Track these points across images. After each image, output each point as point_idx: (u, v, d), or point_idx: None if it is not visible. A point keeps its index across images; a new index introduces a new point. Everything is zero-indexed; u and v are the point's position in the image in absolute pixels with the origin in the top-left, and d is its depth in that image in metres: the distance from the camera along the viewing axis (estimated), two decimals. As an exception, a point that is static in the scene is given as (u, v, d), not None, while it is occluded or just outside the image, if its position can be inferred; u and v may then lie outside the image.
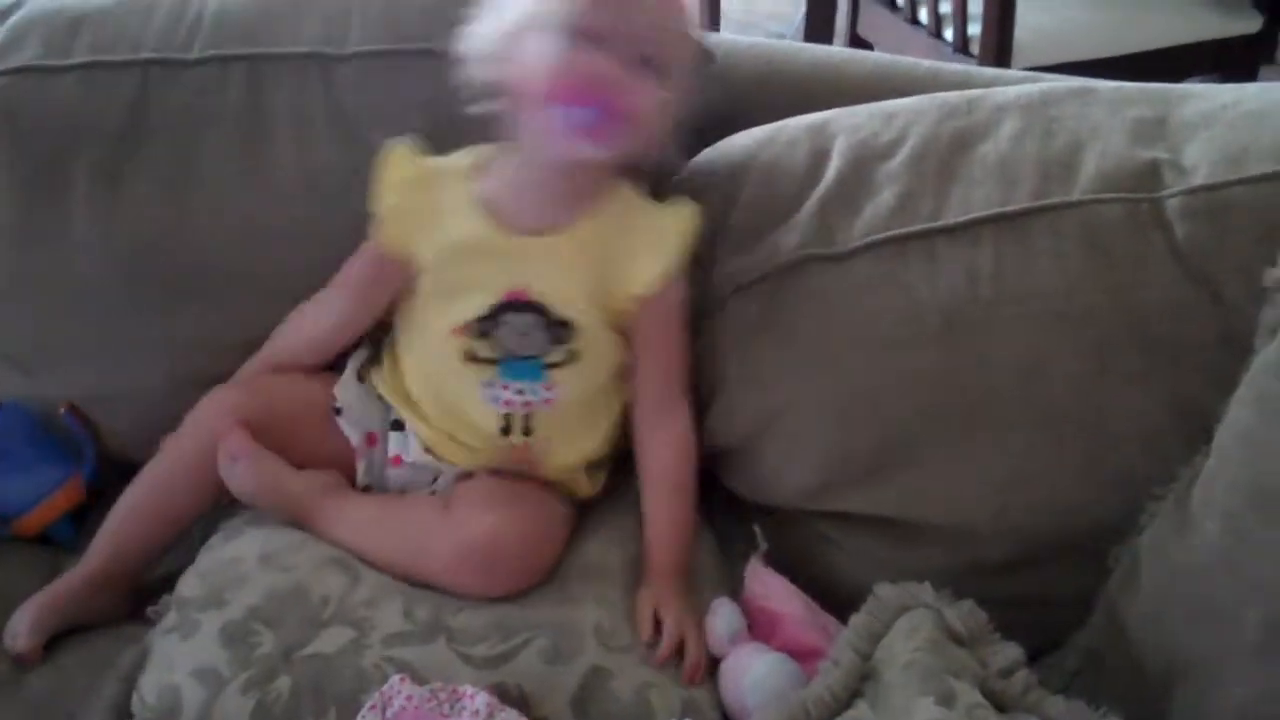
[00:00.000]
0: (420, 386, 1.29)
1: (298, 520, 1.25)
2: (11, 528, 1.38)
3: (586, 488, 1.31)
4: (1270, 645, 0.98)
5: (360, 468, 1.31)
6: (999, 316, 1.17)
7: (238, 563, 1.20)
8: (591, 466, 1.32)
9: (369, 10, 1.37)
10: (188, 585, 1.19)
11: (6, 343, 1.43)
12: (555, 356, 1.23)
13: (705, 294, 1.29)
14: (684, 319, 1.27)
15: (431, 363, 1.27)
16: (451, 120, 1.24)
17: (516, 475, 1.28)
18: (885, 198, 1.24)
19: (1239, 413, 1.06)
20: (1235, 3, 2.51)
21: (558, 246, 1.21)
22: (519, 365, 1.23)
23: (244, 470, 1.26)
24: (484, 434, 1.27)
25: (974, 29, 2.37)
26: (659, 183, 1.32)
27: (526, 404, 1.25)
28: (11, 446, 1.39)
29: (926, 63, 1.49)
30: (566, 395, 1.25)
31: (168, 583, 1.24)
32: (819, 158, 1.29)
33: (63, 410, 1.41)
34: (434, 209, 1.23)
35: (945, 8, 2.42)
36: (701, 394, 1.30)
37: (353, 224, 1.27)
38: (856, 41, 2.76)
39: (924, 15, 2.49)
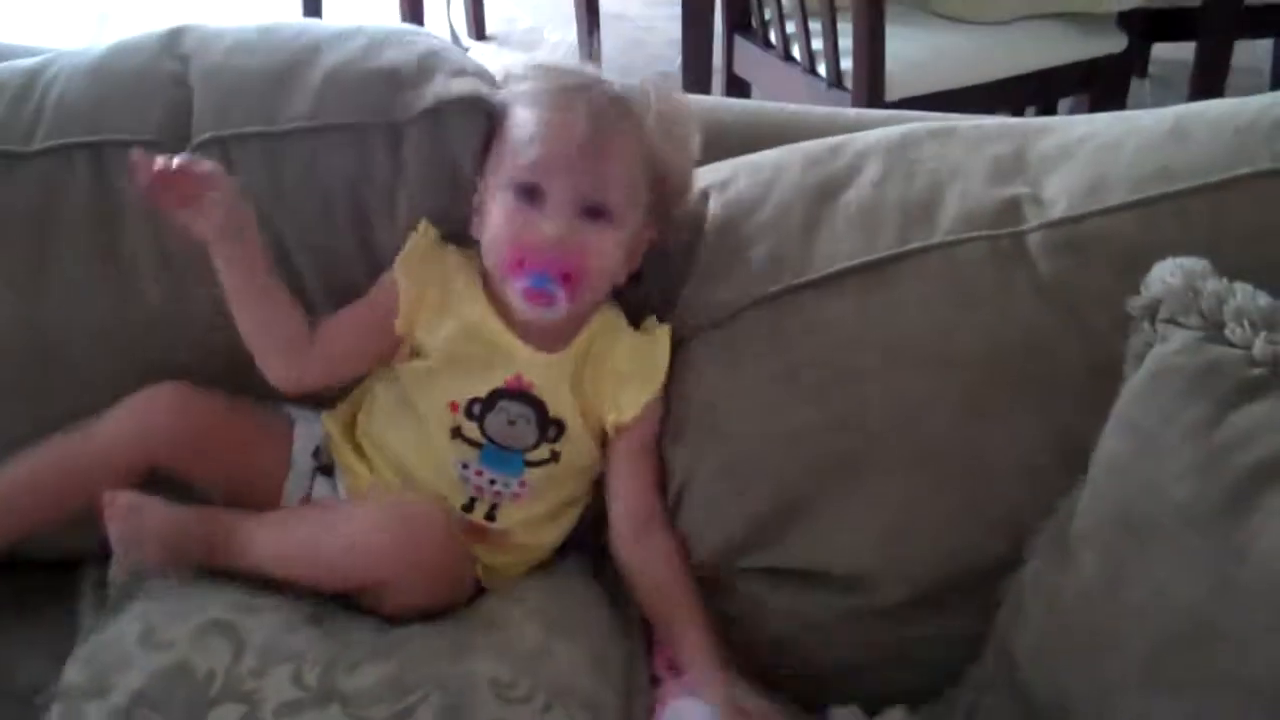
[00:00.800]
0: (386, 443, 1.27)
1: (209, 556, 1.21)
2: None
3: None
4: (1153, 674, 0.99)
5: (287, 489, 1.28)
6: (871, 366, 1.18)
7: (119, 642, 1.15)
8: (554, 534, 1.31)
9: (210, 96, 1.35)
10: (72, 672, 1.15)
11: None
12: (538, 454, 1.24)
13: None
14: (658, 436, 1.27)
15: (412, 429, 1.25)
16: (282, 200, 1.27)
17: None
18: (755, 256, 1.25)
19: (1108, 442, 1.08)
20: (1100, 24, 2.57)
21: (558, 360, 1.23)
22: (501, 455, 1.23)
23: (148, 522, 1.20)
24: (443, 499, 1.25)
25: (847, 63, 2.39)
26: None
27: (497, 493, 1.25)
28: None
29: (791, 107, 1.51)
30: (538, 493, 1.25)
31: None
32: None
33: None
34: (446, 290, 1.24)
35: (818, 44, 2.45)
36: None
37: (213, 307, 1.26)
38: (733, 80, 2.78)
39: (797, 52, 2.51)
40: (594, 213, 1.18)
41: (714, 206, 1.29)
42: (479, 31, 3.85)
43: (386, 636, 1.18)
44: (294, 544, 1.21)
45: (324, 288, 1.31)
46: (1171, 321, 1.07)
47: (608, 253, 1.19)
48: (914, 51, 2.43)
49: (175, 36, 1.40)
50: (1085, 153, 1.25)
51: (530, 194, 1.18)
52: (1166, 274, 1.10)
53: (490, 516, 1.25)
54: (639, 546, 1.26)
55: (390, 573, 1.18)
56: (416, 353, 1.26)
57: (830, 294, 1.20)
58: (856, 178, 1.26)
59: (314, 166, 1.29)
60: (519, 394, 1.22)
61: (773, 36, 2.58)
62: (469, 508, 1.25)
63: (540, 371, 1.23)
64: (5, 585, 1.30)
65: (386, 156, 1.29)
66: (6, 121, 1.35)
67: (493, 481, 1.24)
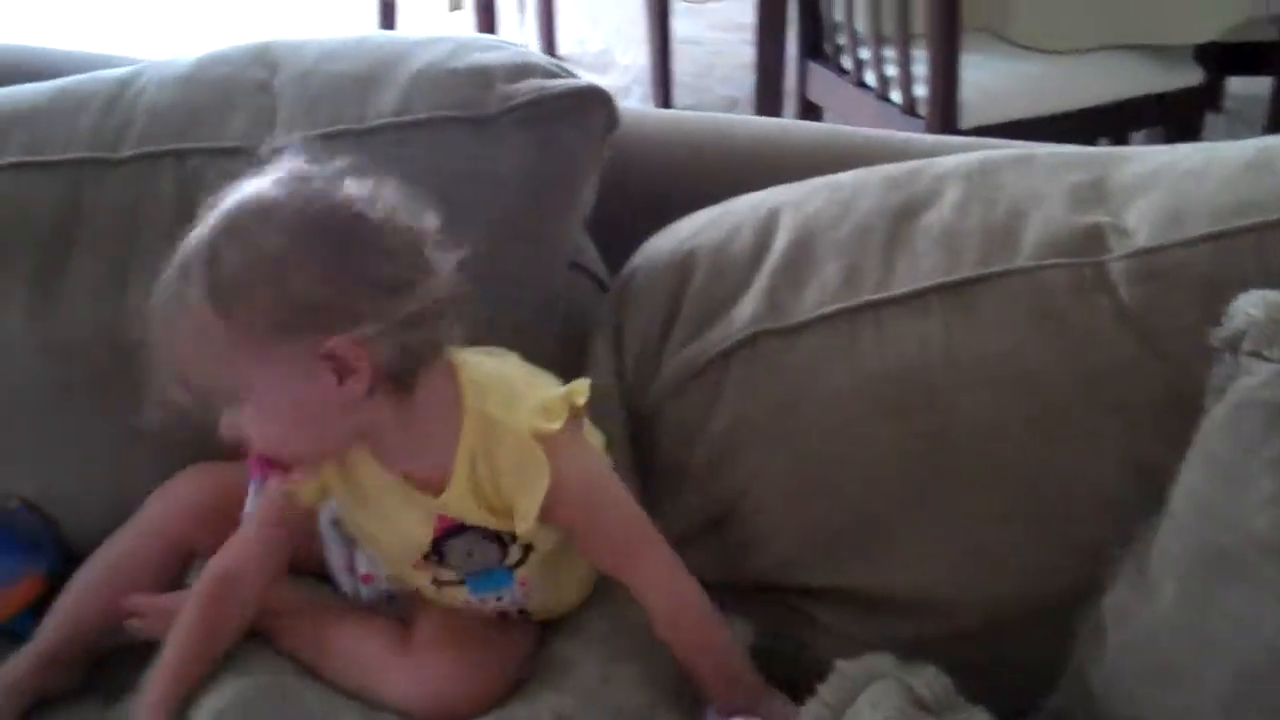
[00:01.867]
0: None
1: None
2: None
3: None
4: (1233, 707, 0.98)
5: (329, 561, 1.27)
6: (951, 385, 1.18)
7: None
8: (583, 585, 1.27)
9: (297, 100, 1.36)
10: None
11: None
12: (513, 557, 1.17)
13: (644, 401, 1.28)
14: (605, 488, 1.17)
15: (404, 572, 1.21)
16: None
17: None
18: (832, 271, 1.24)
19: (1189, 474, 1.07)
20: (1177, 56, 2.55)
21: (453, 497, 1.13)
22: (485, 579, 1.18)
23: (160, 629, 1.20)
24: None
25: (920, 90, 2.39)
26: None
27: (513, 602, 1.21)
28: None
29: (867, 131, 1.52)
30: (546, 578, 1.21)
31: (125, 652, 1.23)
32: (765, 235, 1.30)
33: (15, 504, 1.40)
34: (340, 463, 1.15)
35: (891, 70, 2.45)
36: (654, 490, 1.27)
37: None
38: (806, 105, 2.79)
39: (871, 78, 2.51)
40: (231, 399, 1.06)
41: (789, 223, 1.29)
42: (550, 52, 3.88)
43: None
44: (330, 670, 1.20)
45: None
46: (1255, 354, 1.06)
47: (263, 429, 1.06)
48: (988, 80, 2.43)
49: (265, 47, 1.43)
50: (1166, 182, 1.24)
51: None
52: (1250, 306, 1.09)
53: (521, 611, 1.23)
54: (635, 592, 1.17)
55: None
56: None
57: (912, 312, 1.20)
58: (937, 200, 1.26)
59: (401, 161, 1.25)
60: (456, 530, 1.14)
61: (846, 62, 2.59)
62: (504, 614, 1.22)
63: (454, 507, 1.13)
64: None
65: (478, 150, 1.30)
66: (97, 128, 1.39)
67: (499, 599, 1.20)
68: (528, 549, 1.16)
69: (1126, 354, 1.15)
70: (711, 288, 1.29)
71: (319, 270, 1.01)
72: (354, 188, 1.06)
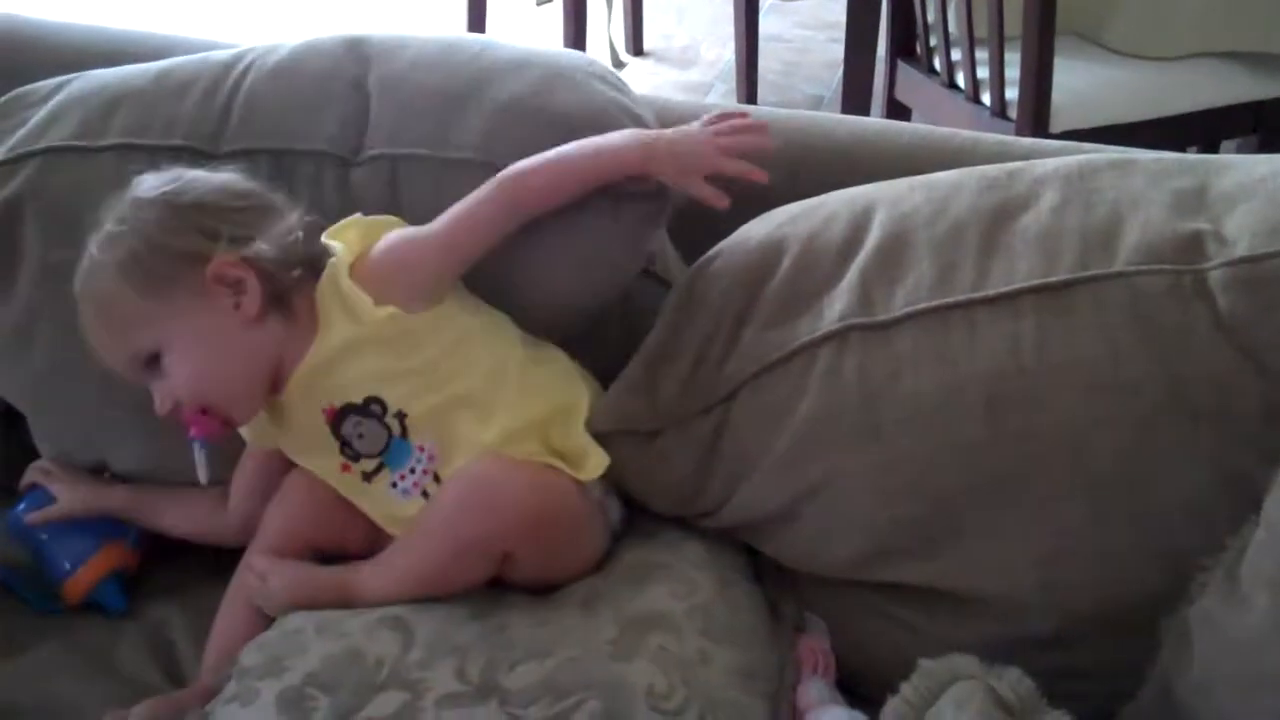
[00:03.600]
0: (374, 518, 1.33)
1: (343, 605, 1.25)
2: (63, 596, 1.41)
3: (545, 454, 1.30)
4: (1324, 720, 0.98)
5: None
6: (1043, 387, 1.17)
7: (297, 633, 1.20)
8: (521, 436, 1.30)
9: (387, 110, 1.39)
10: (248, 656, 1.20)
11: (46, 423, 1.48)
12: (395, 428, 1.28)
13: (717, 376, 1.28)
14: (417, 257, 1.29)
15: (352, 497, 1.32)
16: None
17: None
18: (926, 268, 1.24)
19: (1287, 484, 1.06)
20: (1271, 65, 2.51)
21: (321, 349, 1.27)
22: (393, 454, 1.29)
23: (275, 584, 1.28)
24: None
25: (1011, 93, 2.38)
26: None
27: (425, 472, 1.28)
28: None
29: (963, 133, 1.51)
30: (436, 441, 1.28)
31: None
32: (858, 230, 1.30)
33: (106, 476, 1.45)
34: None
35: (983, 72, 2.44)
36: (719, 473, 1.29)
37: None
38: (894, 105, 2.77)
39: (961, 80, 2.50)
40: (156, 360, 1.27)
41: (883, 219, 1.29)
42: (637, 47, 3.90)
43: (545, 631, 1.20)
44: (403, 573, 1.25)
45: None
46: (1355, 368, 1.06)
47: (187, 373, 1.26)
48: (1080, 84, 2.41)
49: (359, 41, 1.45)
50: (1267, 192, 1.23)
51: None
52: (1350, 319, 1.08)
53: (438, 479, 1.28)
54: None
55: (491, 544, 1.22)
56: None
57: (1005, 313, 1.20)
58: (1035, 203, 1.25)
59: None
60: (337, 416, 1.28)
61: (937, 63, 2.57)
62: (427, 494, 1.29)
63: (326, 389, 1.28)
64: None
65: None
66: (198, 116, 1.42)
67: (413, 469, 1.28)
68: (401, 416, 1.27)
69: (1222, 363, 1.14)
70: (801, 275, 1.29)
71: (185, 225, 1.26)
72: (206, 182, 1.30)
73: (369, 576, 1.26)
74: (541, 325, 1.36)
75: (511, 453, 1.26)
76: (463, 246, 1.29)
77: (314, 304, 1.28)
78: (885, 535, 1.23)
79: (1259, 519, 1.08)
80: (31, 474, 1.47)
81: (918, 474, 1.20)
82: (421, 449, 1.28)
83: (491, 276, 1.32)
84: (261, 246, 1.26)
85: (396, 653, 1.17)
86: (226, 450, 1.35)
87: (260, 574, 1.29)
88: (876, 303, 1.24)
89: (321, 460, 1.31)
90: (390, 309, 1.26)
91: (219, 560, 1.37)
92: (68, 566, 1.41)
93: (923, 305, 1.22)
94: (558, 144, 1.30)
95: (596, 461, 1.29)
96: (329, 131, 1.39)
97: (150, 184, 1.29)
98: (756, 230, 1.35)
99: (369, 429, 1.28)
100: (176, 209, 1.27)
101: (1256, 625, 1.04)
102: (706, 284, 1.33)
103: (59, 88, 1.49)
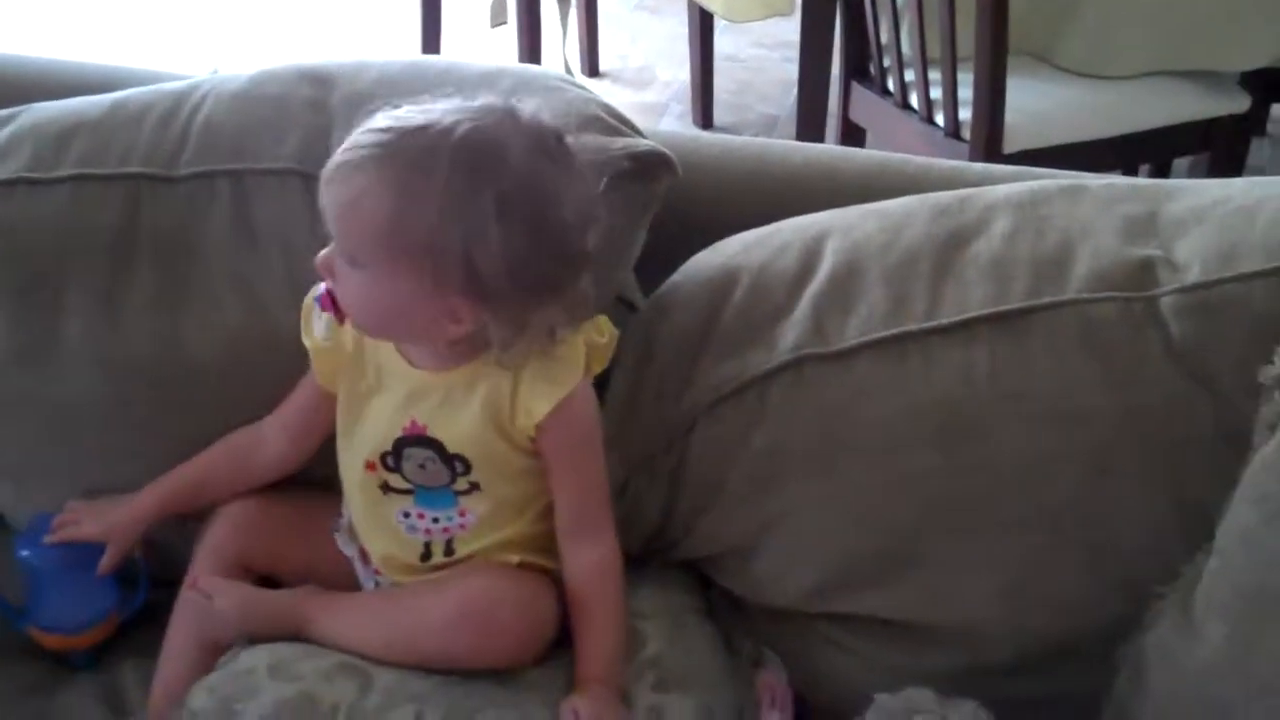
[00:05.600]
0: (357, 517, 1.29)
1: (293, 635, 1.24)
2: (38, 640, 1.37)
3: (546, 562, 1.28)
4: (1280, 750, 0.97)
5: (360, 576, 1.31)
6: (997, 416, 1.17)
7: (249, 674, 1.18)
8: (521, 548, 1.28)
9: (351, 126, 1.37)
10: (197, 698, 1.17)
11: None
12: (460, 485, 1.22)
13: (676, 410, 1.27)
14: (595, 439, 1.23)
15: (357, 493, 1.27)
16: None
17: None
18: (879, 297, 1.24)
19: (1240, 512, 1.06)
20: (1223, 83, 2.54)
21: (450, 382, 1.20)
22: (431, 494, 1.23)
23: (223, 605, 1.25)
24: (406, 562, 1.26)
25: (965, 113, 2.39)
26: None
27: (444, 529, 1.24)
28: (86, 559, 1.35)
29: (917, 159, 1.51)
30: (479, 518, 1.24)
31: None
32: (811, 258, 1.29)
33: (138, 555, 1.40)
34: (352, 343, 1.24)
35: (936, 93, 2.44)
36: (681, 507, 1.29)
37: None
38: (848, 126, 2.78)
39: (915, 101, 2.51)
40: (349, 259, 1.13)
41: (836, 247, 1.29)
42: (592, 68, 3.89)
43: (505, 687, 1.18)
44: (371, 634, 1.22)
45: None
46: (1306, 392, 1.06)
47: (352, 291, 1.15)
48: (1034, 104, 2.42)
49: (319, 67, 1.43)
50: (1218, 217, 1.23)
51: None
52: (1300, 343, 1.08)
53: (449, 552, 1.25)
54: (573, 556, 1.23)
55: (474, 663, 1.19)
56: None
57: (959, 341, 1.19)
58: (986, 230, 1.25)
59: None
60: (416, 439, 1.20)
61: (890, 84, 2.58)
62: (426, 556, 1.25)
63: (432, 406, 1.20)
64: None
65: None
66: (154, 143, 1.40)
67: (436, 520, 1.24)
68: (471, 486, 1.21)
69: (1176, 390, 1.14)
70: (754, 305, 1.28)
71: (499, 248, 1.08)
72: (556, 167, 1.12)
73: (328, 615, 1.24)
74: None
75: (515, 555, 1.24)
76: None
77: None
78: (843, 566, 1.23)
79: (1212, 547, 1.08)
80: (64, 530, 1.36)
81: (874, 504, 1.20)
82: (463, 514, 1.23)
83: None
84: (502, 324, 1.13)
85: (353, 699, 1.15)
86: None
87: (206, 593, 1.26)
88: (830, 332, 1.24)
89: (361, 443, 1.24)
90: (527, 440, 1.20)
91: (166, 599, 1.33)
92: (64, 627, 1.36)
93: (876, 335, 1.22)
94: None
95: None
96: (292, 150, 1.36)
97: (581, 158, 1.14)
98: (709, 260, 1.34)
99: (434, 469, 1.22)
100: (522, 240, 1.09)
101: (1209, 654, 1.04)
102: (661, 319, 1.32)
103: (8, 119, 1.46)
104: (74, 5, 3.61)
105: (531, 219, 1.09)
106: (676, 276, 1.35)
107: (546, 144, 1.12)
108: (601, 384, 1.29)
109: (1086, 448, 1.15)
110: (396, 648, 1.20)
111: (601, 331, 1.23)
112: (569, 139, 1.14)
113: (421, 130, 1.10)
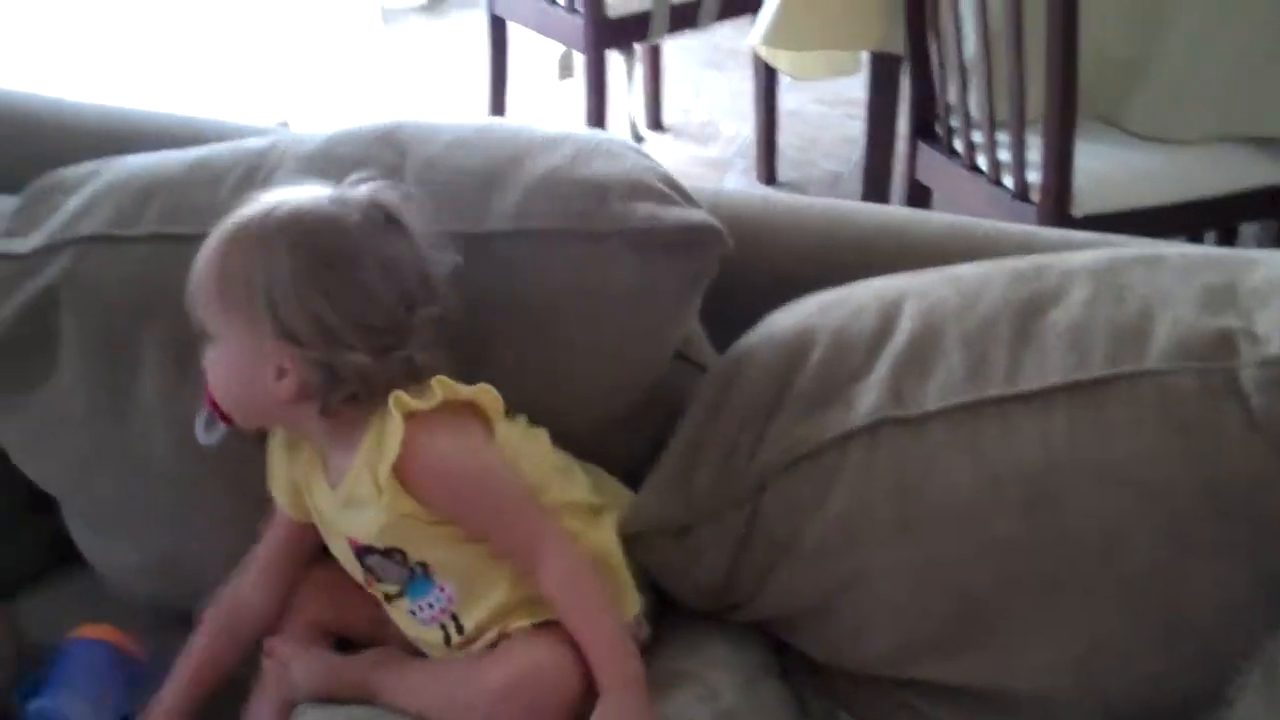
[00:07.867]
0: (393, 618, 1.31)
1: (363, 699, 1.25)
2: None
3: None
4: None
5: None
6: (1076, 486, 1.17)
7: None
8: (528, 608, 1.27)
9: (422, 192, 1.36)
10: None
11: (82, 505, 1.46)
12: (417, 570, 1.24)
13: (748, 468, 1.27)
14: (479, 474, 1.23)
15: (379, 604, 1.30)
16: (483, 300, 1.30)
17: None
18: (957, 362, 1.24)
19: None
20: (1293, 149, 2.53)
21: (347, 485, 1.23)
22: (415, 585, 1.26)
23: (299, 670, 1.28)
24: (438, 646, 1.28)
25: (1033, 176, 2.39)
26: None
27: (443, 610, 1.26)
28: (100, 669, 1.36)
29: (986, 223, 1.51)
30: (456, 590, 1.25)
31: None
32: (888, 322, 1.30)
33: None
34: (303, 471, 1.29)
35: (1004, 155, 2.45)
36: (751, 563, 1.28)
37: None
38: (915, 186, 2.78)
39: (983, 162, 2.51)
40: (205, 333, 1.24)
41: (912, 311, 1.29)
42: (656, 122, 3.93)
43: None
44: (431, 701, 1.24)
45: (512, 387, 1.29)
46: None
47: (215, 372, 1.25)
48: (1102, 167, 2.42)
49: (394, 128, 1.44)
50: (1298, 287, 1.23)
51: None
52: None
53: (460, 629, 1.26)
54: (530, 576, 1.23)
55: None
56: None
57: (1038, 410, 1.19)
58: (1065, 297, 1.25)
59: (511, 268, 1.32)
60: (362, 550, 1.25)
61: (958, 145, 2.58)
62: (447, 640, 1.26)
63: (349, 516, 1.24)
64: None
65: (588, 264, 1.31)
66: (233, 206, 1.39)
67: (432, 605, 1.26)
68: (424, 566, 1.24)
69: (1256, 464, 1.14)
70: (830, 367, 1.29)
71: (306, 293, 1.19)
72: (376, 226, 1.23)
73: (393, 680, 1.26)
74: (566, 428, 1.33)
75: (525, 619, 1.24)
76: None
77: (363, 425, 1.22)
78: (917, 632, 1.22)
79: (1295, 622, 1.07)
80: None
81: (950, 570, 1.20)
82: (442, 589, 1.25)
83: (517, 388, 1.29)
84: (321, 368, 1.20)
85: None
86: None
87: (283, 660, 1.28)
88: (907, 397, 1.24)
89: (351, 568, 1.29)
90: (416, 505, 1.22)
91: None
92: None
93: (955, 400, 1.22)
94: (593, 213, 1.31)
95: (631, 601, 1.29)
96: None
97: (385, 214, 1.24)
98: (784, 320, 1.35)
99: (389, 570, 1.25)
100: (328, 290, 1.19)
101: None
102: (735, 375, 1.32)
103: (92, 174, 1.49)
104: (135, 51, 3.65)
105: (328, 274, 1.19)
106: (751, 336, 1.36)
107: (371, 220, 1.23)
108: (659, 440, 1.32)
109: (1165, 519, 1.15)
110: (453, 713, 1.21)
111: (435, 394, 1.22)
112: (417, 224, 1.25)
113: (253, 208, 1.24)
